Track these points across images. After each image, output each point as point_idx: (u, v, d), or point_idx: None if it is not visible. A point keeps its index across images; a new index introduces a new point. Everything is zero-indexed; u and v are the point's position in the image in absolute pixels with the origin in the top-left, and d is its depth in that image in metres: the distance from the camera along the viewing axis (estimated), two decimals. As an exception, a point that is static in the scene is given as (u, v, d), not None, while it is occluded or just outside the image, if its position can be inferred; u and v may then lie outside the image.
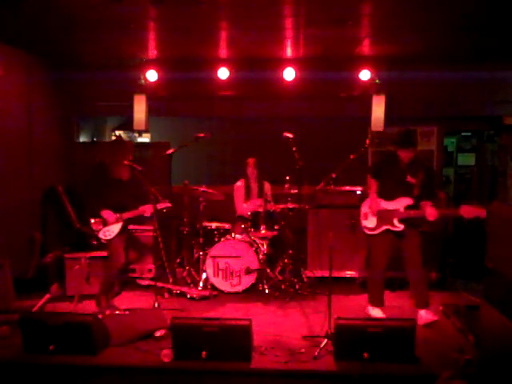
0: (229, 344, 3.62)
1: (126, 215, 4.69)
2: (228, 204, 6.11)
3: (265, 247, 5.63)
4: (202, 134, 5.59)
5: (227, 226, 5.78)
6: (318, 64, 6.48)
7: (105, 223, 4.59)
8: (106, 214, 4.58)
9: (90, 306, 4.90)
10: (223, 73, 6.35)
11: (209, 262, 5.43)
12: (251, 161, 6.06)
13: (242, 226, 5.62)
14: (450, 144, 8.60)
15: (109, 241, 4.63)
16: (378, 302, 4.62)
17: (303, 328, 4.40)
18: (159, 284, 5.24)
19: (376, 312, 4.60)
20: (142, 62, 6.45)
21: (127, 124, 7.43)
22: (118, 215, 4.63)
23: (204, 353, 3.55)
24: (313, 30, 5.18)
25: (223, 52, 6.19)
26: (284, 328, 4.40)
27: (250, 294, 5.38)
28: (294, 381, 3.57)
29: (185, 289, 5.37)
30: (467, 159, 8.64)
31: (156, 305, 4.71)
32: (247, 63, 6.50)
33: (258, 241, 5.61)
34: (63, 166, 6.72)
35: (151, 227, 5.76)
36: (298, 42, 5.66)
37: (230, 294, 5.37)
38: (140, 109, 6.46)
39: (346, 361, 3.63)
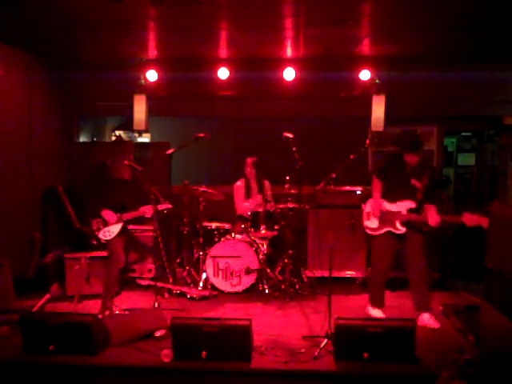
0: (229, 344, 3.62)
1: (127, 216, 4.68)
2: (228, 204, 6.11)
3: (265, 247, 5.63)
4: (201, 134, 5.59)
5: (227, 226, 5.78)
6: (318, 64, 6.48)
7: (105, 223, 4.59)
8: (107, 214, 4.58)
9: (90, 306, 4.90)
10: (223, 73, 6.35)
11: (209, 262, 5.44)
12: (249, 160, 6.06)
13: (242, 225, 5.62)
14: (449, 144, 8.60)
15: (109, 241, 4.62)
16: (378, 303, 4.62)
17: (303, 328, 4.40)
18: (159, 284, 5.24)
19: (376, 312, 4.59)
20: (142, 62, 6.45)
21: (127, 124, 7.43)
22: (118, 215, 4.63)
23: (204, 353, 3.55)
24: (313, 29, 5.18)
25: (223, 52, 6.19)
26: (284, 328, 4.40)
27: (250, 293, 5.38)
28: (293, 381, 3.57)
29: (185, 289, 5.37)
30: (467, 159, 8.64)
31: (156, 305, 4.71)
32: (247, 63, 6.50)
33: (258, 241, 5.61)
34: (63, 166, 6.72)
35: (151, 227, 5.76)
36: (298, 42, 5.66)
37: (230, 293, 5.38)
38: (140, 109, 6.46)
39: (346, 361, 3.63)
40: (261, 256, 5.45)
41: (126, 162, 4.58)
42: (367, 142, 6.21)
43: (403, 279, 5.35)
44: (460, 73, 6.53)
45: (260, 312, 4.85)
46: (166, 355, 3.67)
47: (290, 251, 5.57)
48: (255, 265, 5.37)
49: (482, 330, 4.34)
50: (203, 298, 5.23)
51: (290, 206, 5.66)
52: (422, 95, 6.66)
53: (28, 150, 5.99)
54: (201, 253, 5.66)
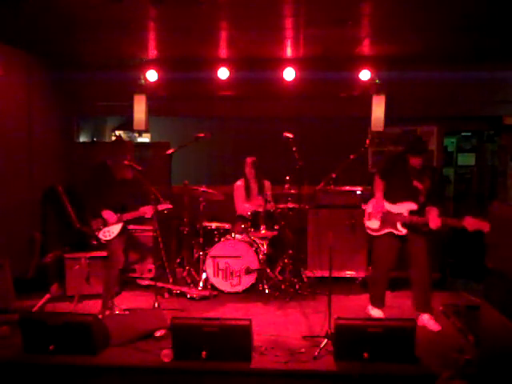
0: (229, 344, 3.63)
1: (127, 216, 4.68)
2: (228, 204, 6.12)
3: (265, 247, 5.63)
4: (201, 134, 5.59)
5: (227, 226, 5.78)
6: (318, 64, 6.48)
7: (105, 223, 4.59)
8: (107, 214, 4.58)
9: (90, 306, 4.90)
10: (223, 73, 6.35)
11: (209, 262, 5.44)
12: (249, 160, 6.05)
13: (242, 226, 5.62)
14: (449, 144, 8.60)
15: (109, 241, 4.62)
16: (378, 303, 4.62)
17: (303, 328, 4.40)
18: (159, 284, 5.24)
19: (375, 312, 4.60)
20: (142, 62, 6.45)
21: (127, 124, 7.43)
22: (118, 216, 4.62)
23: (204, 353, 3.55)
24: (313, 30, 5.18)
25: (223, 52, 6.19)
26: (284, 328, 4.40)
27: (250, 293, 5.38)
28: (294, 381, 3.57)
29: (185, 289, 5.37)
30: (467, 159, 8.63)
31: (156, 305, 4.71)
32: (247, 63, 6.50)
33: (258, 241, 5.61)
34: (63, 166, 6.72)
35: (151, 227, 5.77)
36: (298, 42, 5.66)
37: (230, 293, 5.38)
38: (140, 109, 6.46)
39: (346, 361, 3.63)
40: (261, 256, 5.45)
41: (126, 162, 4.57)
42: (367, 141, 6.22)
43: (403, 279, 5.35)
44: (460, 73, 6.53)
45: (260, 312, 4.85)
46: (166, 355, 3.67)
47: (290, 251, 5.57)
48: (255, 265, 5.37)
49: (482, 329, 4.34)
50: (203, 298, 5.23)
51: (290, 206, 5.66)
52: (422, 95, 6.65)
53: (28, 150, 5.99)
54: (201, 253, 5.66)
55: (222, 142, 7.63)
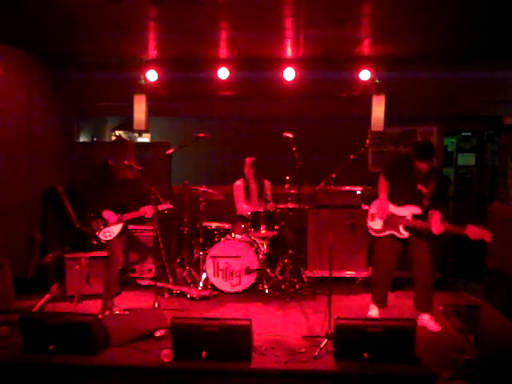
0: (229, 344, 3.63)
1: (127, 216, 4.67)
2: (228, 204, 6.11)
3: (265, 247, 5.63)
4: (201, 134, 5.59)
5: (227, 226, 5.78)
6: (318, 64, 6.48)
7: (105, 224, 4.59)
8: (107, 214, 4.57)
9: (90, 306, 4.90)
10: (223, 73, 6.35)
11: (209, 262, 5.44)
12: (248, 160, 6.03)
13: (242, 226, 5.61)
14: (449, 144, 8.60)
15: (109, 241, 4.62)
16: (379, 303, 4.63)
17: (303, 328, 4.40)
18: (159, 284, 5.24)
19: (373, 312, 4.60)
20: (142, 62, 6.45)
21: (127, 124, 7.43)
22: (118, 216, 4.62)
23: (204, 353, 3.55)
24: (313, 30, 5.18)
25: (223, 52, 6.19)
26: (284, 328, 4.40)
27: (250, 293, 5.38)
28: (293, 381, 3.57)
29: (185, 289, 5.37)
30: (467, 159, 8.63)
31: (156, 305, 4.71)
32: (247, 63, 6.50)
33: (258, 241, 5.61)
34: (63, 166, 6.72)
35: (151, 227, 5.76)
36: (298, 42, 5.66)
37: (230, 293, 5.37)
38: (140, 109, 6.46)
39: (346, 361, 3.63)
40: (261, 256, 5.45)
41: (126, 162, 4.57)
42: (367, 141, 6.23)
43: (403, 279, 5.37)
44: (460, 73, 6.53)
45: (260, 312, 4.85)
46: (166, 355, 3.67)
47: (290, 251, 5.57)
48: (255, 265, 5.37)
49: (482, 329, 4.34)
50: (203, 298, 5.23)
51: (290, 206, 5.66)
52: (422, 95, 6.65)
53: (28, 150, 6.00)
54: (201, 253, 5.66)
55: (221, 142, 7.63)
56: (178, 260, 6.08)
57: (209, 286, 5.46)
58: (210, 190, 5.66)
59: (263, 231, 5.54)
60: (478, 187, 8.38)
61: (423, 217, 4.31)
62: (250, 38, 5.54)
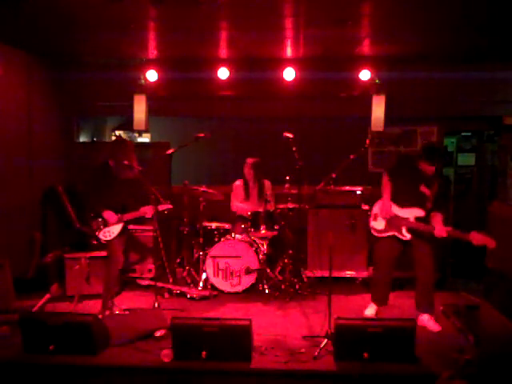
0: (229, 344, 3.63)
1: (127, 216, 4.67)
2: (228, 204, 6.11)
3: (265, 247, 5.63)
4: (201, 134, 5.59)
5: (227, 226, 5.78)
6: (318, 64, 6.48)
7: (105, 224, 4.58)
8: (108, 214, 4.57)
9: (90, 306, 4.91)
10: (223, 73, 6.35)
11: (209, 262, 5.44)
12: (249, 161, 6.00)
13: (242, 226, 5.62)
14: (450, 144, 8.59)
15: (109, 241, 4.62)
16: (378, 301, 4.63)
17: (303, 328, 4.40)
18: (159, 284, 5.24)
19: (369, 311, 4.61)
20: (142, 62, 6.45)
21: (127, 124, 7.42)
22: (119, 216, 4.62)
23: (204, 353, 3.55)
24: (313, 29, 5.18)
25: (223, 52, 6.18)
26: (284, 328, 4.40)
27: (250, 293, 5.38)
28: (293, 381, 3.57)
29: (185, 289, 5.37)
30: (467, 159, 8.62)
31: (156, 305, 4.72)
32: (247, 63, 6.50)
33: (258, 241, 5.61)
34: (63, 166, 6.72)
35: (151, 227, 5.76)
36: (298, 42, 5.66)
37: (230, 293, 5.38)
38: (140, 109, 6.46)
39: (346, 361, 3.63)
40: (261, 256, 5.45)
41: (125, 162, 4.57)
42: (367, 141, 6.22)
43: (403, 279, 5.37)
44: (460, 73, 6.52)
45: (260, 312, 4.85)
46: (166, 355, 3.67)
47: (290, 251, 5.57)
48: (255, 265, 5.37)
49: (482, 329, 4.34)
50: (203, 298, 5.23)
51: (290, 206, 5.66)
52: (422, 95, 6.65)
53: (28, 150, 5.99)
54: (201, 253, 5.66)
55: (222, 142, 7.62)
56: (178, 260, 6.09)
57: (209, 286, 5.46)
58: (210, 190, 5.65)
59: (263, 231, 5.54)
60: (477, 187, 8.37)
61: (426, 220, 4.30)
62: (250, 38, 5.54)
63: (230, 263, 5.40)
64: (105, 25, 4.98)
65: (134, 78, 6.44)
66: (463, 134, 8.59)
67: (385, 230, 4.49)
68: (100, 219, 4.56)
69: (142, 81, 6.42)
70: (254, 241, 5.56)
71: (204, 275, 5.51)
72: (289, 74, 6.24)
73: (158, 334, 4.08)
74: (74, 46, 5.92)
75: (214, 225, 5.78)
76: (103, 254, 4.94)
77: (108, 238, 4.59)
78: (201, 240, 5.71)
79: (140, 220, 5.13)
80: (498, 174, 7.45)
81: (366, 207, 5.81)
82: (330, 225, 5.58)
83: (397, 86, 6.38)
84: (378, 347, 3.58)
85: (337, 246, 4.63)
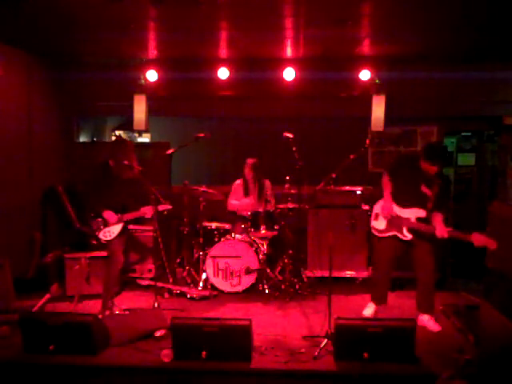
0: (229, 344, 3.63)
1: (128, 216, 4.67)
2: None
3: (265, 247, 5.63)
4: (201, 134, 5.59)
5: (227, 226, 5.78)
6: (318, 64, 6.48)
7: (105, 224, 4.58)
8: (108, 214, 4.57)
9: (90, 306, 4.91)
10: (223, 73, 6.35)
11: (209, 262, 5.43)
12: (249, 161, 5.99)
13: (242, 226, 5.62)
14: (450, 144, 8.59)
15: (109, 241, 4.62)
16: (377, 300, 4.63)
17: (303, 328, 4.40)
18: (159, 284, 5.24)
19: (368, 311, 4.61)
20: (142, 62, 6.45)
21: (127, 124, 7.43)
22: (119, 216, 4.62)
23: (204, 353, 3.55)
24: (313, 30, 5.18)
25: (223, 52, 6.19)
26: (284, 328, 4.40)
27: (250, 293, 5.38)
28: (293, 381, 3.57)
29: (185, 289, 5.37)
30: (467, 159, 8.62)
31: (156, 305, 4.71)
32: (247, 63, 6.50)
33: (258, 241, 5.61)
34: (63, 166, 6.72)
35: (151, 227, 5.76)
36: (298, 42, 5.66)
37: (230, 293, 5.38)
38: (140, 109, 6.46)
39: (346, 361, 3.63)
40: (261, 256, 5.45)
41: (125, 162, 4.57)
42: (367, 141, 6.21)
43: (403, 279, 5.37)
44: (460, 73, 6.52)
45: (260, 312, 4.85)
46: (166, 355, 3.67)
47: (290, 251, 5.57)
48: (255, 265, 5.37)
49: (482, 329, 4.34)
50: (203, 298, 5.23)
51: (290, 206, 5.66)
52: (422, 95, 6.65)
53: (28, 150, 5.99)
54: (201, 253, 5.66)
55: (222, 142, 7.63)
56: (178, 260, 6.09)
57: (209, 286, 5.46)
58: (210, 190, 5.65)
59: (263, 231, 5.54)
60: (478, 187, 8.37)
61: (427, 220, 4.29)
62: (250, 38, 5.54)
63: (229, 263, 5.40)
64: (105, 25, 4.98)
65: (134, 78, 6.44)
66: (463, 133, 8.59)
67: (386, 230, 4.48)
68: (100, 219, 4.56)
69: (142, 81, 6.42)
70: (254, 241, 5.56)
71: (204, 275, 5.51)
72: (289, 73, 6.24)
73: (158, 333, 4.08)
74: (74, 46, 5.93)
75: (214, 225, 5.78)
76: (103, 254, 4.94)
77: (108, 238, 4.59)
78: (201, 240, 5.71)
79: (140, 220, 5.14)
80: (497, 174, 7.45)
81: (366, 207, 5.82)
82: (330, 225, 5.57)
83: (397, 86, 6.38)
84: (378, 347, 3.58)
85: (337, 246, 4.63)
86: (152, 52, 6.24)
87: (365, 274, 5.78)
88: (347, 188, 5.97)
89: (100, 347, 3.84)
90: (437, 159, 4.21)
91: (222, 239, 5.51)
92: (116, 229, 4.62)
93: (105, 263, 4.87)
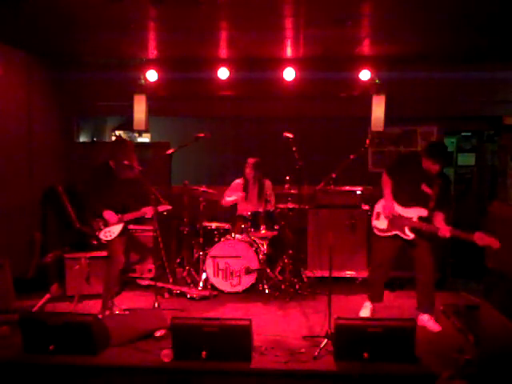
0: (229, 344, 3.63)
1: (128, 216, 4.67)
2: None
3: (265, 247, 5.63)
4: (201, 134, 5.59)
5: (227, 226, 5.78)
6: (318, 64, 6.48)
7: (106, 224, 4.58)
8: (108, 214, 4.56)
9: (90, 306, 4.90)
10: (223, 73, 6.35)
11: (209, 262, 5.44)
12: (250, 161, 5.99)
13: (242, 225, 5.62)
14: (450, 144, 8.59)
15: (109, 241, 4.61)
16: (375, 298, 4.63)
17: (303, 328, 4.40)
18: (159, 284, 5.24)
19: (364, 312, 4.60)
20: (142, 62, 6.45)
21: (127, 124, 7.42)
22: (119, 216, 4.62)
23: (204, 353, 3.55)
24: (313, 30, 5.18)
25: (223, 52, 6.19)
26: (284, 328, 4.40)
27: (250, 294, 5.38)
28: (293, 381, 3.57)
29: (185, 289, 5.37)
30: (467, 159, 8.62)
31: (156, 305, 4.71)
32: (247, 63, 6.50)
33: (258, 241, 5.61)
34: (63, 166, 6.72)
35: (151, 227, 5.77)
36: (298, 42, 5.66)
37: (230, 293, 5.38)
38: (140, 109, 6.46)
39: (346, 361, 3.63)
40: (261, 256, 5.45)
41: (125, 162, 4.57)
42: (367, 141, 6.22)
43: (403, 279, 5.37)
44: (460, 73, 6.52)
45: (260, 312, 4.85)
46: (166, 355, 3.67)
47: (290, 251, 5.57)
48: (255, 265, 5.37)
49: (482, 329, 4.34)
50: (203, 298, 5.23)
51: (290, 206, 5.66)
52: (422, 95, 6.64)
53: (28, 150, 5.99)
54: (201, 253, 5.66)
55: (222, 142, 7.63)
56: (178, 260, 6.09)
57: (209, 286, 5.46)
58: (210, 190, 5.66)
59: (263, 231, 5.54)
60: (478, 187, 8.38)
61: (429, 219, 4.29)
62: (250, 38, 5.54)
63: (230, 263, 5.40)
64: (105, 25, 4.98)
65: (134, 78, 6.44)
66: (463, 133, 8.59)
67: (387, 230, 4.47)
68: (100, 219, 4.56)
69: (142, 81, 6.42)
70: (254, 241, 5.56)
71: (204, 275, 5.51)
72: (289, 73, 6.24)
73: (158, 333, 4.08)
74: (74, 46, 5.93)
75: (214, 225, 5.78)
76: (103, 254, 4.94)
77: (109, 238, 4.59)
78: (201, 240, 5.71)
79: (140, 220, 5.14)
80: (498, 174, 7.45)
81: (366, 207, 5.82)
82: (330, 225, 5.58)
83: (397, 86, 6.38)
84: (378, 347, 3.58)
85: (337, 246, 4.63)
86: (152, 52, 6.24)
87: (365, 274, 5.76)
88: (347, 188, 5.97)
89: (100, 347, 3.84)
90: (439, 158, 4.20)
91: (222, 239, 5.51)
92: (116, 229, 4.62)
93: (105, 263, 4.87)
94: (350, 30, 5.08)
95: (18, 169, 5.80)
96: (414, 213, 4.34)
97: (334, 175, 5.29)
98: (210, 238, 5.69)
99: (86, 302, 5.04)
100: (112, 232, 4.60)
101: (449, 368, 3.39)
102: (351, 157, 5.33)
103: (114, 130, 8.77)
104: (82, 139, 7.72)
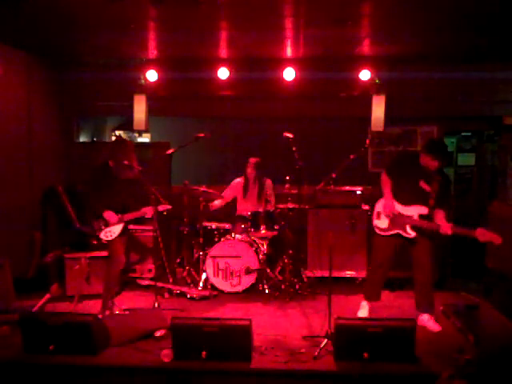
0: (229, 344, 3.63)
1: (128, 216, 4.67)
2: (228, 204, 6.12)
3: (265, 247, 5.63)
4: (201, 134, 5.59)
5: (227, 226, 5.78)
6: (318, 64, 6.48)
7: (106, 224, 4.58)
8: (108, 214, 4.56)
9: (90, 306, 4.91)
10: (223, 73, 6.35)
11: (209, 261, 5.44)
12: (252, 160, 5.98)
13: (242, 226, 5.62)
14: (450, 144, 8.59)
15: (110, 242, 4.61)
16: (373, 297, 4.63)
17: (303, 328, 4.40)
18: (159, 284, 5.24)
19: (362, 312, 4.60)
20: (142, 62, 6.45)
21: (127, 124, 7.42)
22: (119, 216, 4.61)
23: (204, 353, 3.55)
24: (313, 30, 5.18)
25: (223, 52, 6.19)
26: (284, 328, 4.40)
27: (250, 293, 5.38)
28: (293, 381, 3.57)
29: (185, 289, 5.37)
30: (467, 159, 8.63)
31: (156, 305, 4.72)
32: (247, 63, 6.50)
33: (258, 241, 5.61)
34: (63, 166, 6.72)
35: (151, 227, 5.76)
36: (298, 42, 5.66)
37: (230, 293, 5.38)
38: (140, 109, 6.46)
39: (346, 361, 3.63)
40: (261, 256, 5.45)
41: (125, 162, 4.56)
42: (367, 141, 6.23)
43: (403, 279, 5.37)
44: (460, 73, 6.52)
45: (260, 312, 4.85)
46: (166, 355, 3.67)
47: (290, 251, 5.57)
48: (255, 265, 5.37)
49: (482, 329, 4.33)
50: (203, 298, 5.23)
51: (290, 206, 5.66)
52: (422, 95, 6.65)
53: (28, 150, 5.99)
54: (201, 253, 5.66)
55: (222, 142, 7.63)
56: (178, 260, 6.09)
57: (209, 286, 5.46)
58: (210, 190, 5.66)
59: (263, 231, 5.54)
60: (478, 187, 8.38)
61: (430, 217, 4.28)
62: (250, 38, 5.54)
63: (230, 263, 5.40)
64: (105, 25, 4.98)
65: (134, 78, 6.44)
66: (463, 133, 8.59)
67: (389, 229, 4.46)
68: (101, 219, 4.56)
69: (142, 81, 6.42)
70: (254, 241, 5.56)
71: (204, 275, 5.51)
72: (289, 73, 6.24)
73: (158, 333, 4.08)
74: (73, 46, 5.93)
75: (214, 225, 5.78)
76: (103, 254, 4.94)
77: (109, 238, 4.59)
78: (201, 240, 5.71)
79: (140, 220, 5.13)
80: (497, 174, 7.45)
81: (366, 207, 5.82)
82: (330, 225, 5.58)
83: (397, 86, 6.38)
84: (378, 347, 3.58)
85: (337, 246, 4.62)
86: (152, 52, 6.24)
87: (365, 274, 5.77)
88: (347, 188, 5.97)
89: (100, 347, 3.84)
90: (438, 154, 4.20)
91: (222, 239, 5.51)
92: (117, 229, 4.62)
93: (105, 263, 4.87)
94: (349, 30, 5.08)
95: (18, 169, 5.80)
96: (415, 211, 4.33)
97: (334, 175, 5.30)
98: (210, 238, 5.69)
99: (86, 302, 5.04)
100: (113, 232, 4.60)
101: (449, 368, 3.39)
102: (351, 157, 5.34)
103: (114, 130, 8.77)
104: (82, 139, 7.72)
